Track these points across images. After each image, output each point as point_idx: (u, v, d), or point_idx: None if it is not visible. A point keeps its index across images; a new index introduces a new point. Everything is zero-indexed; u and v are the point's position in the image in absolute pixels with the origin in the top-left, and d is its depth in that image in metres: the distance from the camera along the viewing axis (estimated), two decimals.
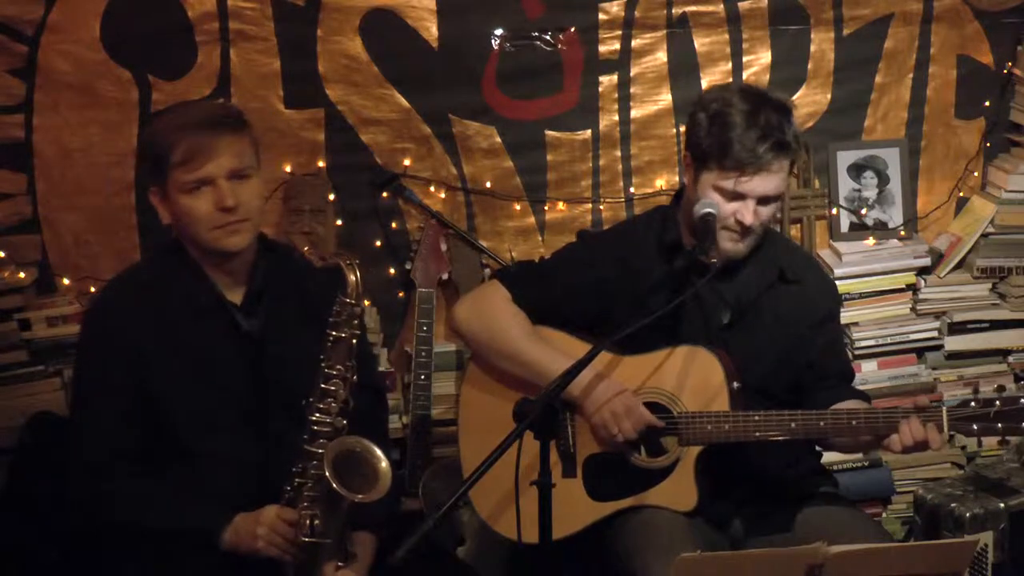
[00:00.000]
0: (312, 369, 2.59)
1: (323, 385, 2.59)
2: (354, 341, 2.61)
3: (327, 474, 2.50)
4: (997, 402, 2.64)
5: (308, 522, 2.53)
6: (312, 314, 2.66)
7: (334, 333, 2.60)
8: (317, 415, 2.58)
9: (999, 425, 2.64)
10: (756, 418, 2.72)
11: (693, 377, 2.79)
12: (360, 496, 2.52)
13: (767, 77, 3.86)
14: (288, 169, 3.73)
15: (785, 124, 2.74)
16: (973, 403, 2.65)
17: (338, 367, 2.59)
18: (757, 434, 2.72)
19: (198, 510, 2.59)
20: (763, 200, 2.75)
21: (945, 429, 2.65)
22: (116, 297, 2.71)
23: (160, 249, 2.77)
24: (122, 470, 2.60)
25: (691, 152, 2.80)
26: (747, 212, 2.74)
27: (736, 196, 2.74)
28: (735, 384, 2.78)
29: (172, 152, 2.56)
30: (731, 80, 3.82)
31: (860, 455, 3.79)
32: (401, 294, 3.82)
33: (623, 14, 3.78)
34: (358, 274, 2.62)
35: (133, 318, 2.63)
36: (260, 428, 2.66)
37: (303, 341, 2.64)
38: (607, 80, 3.82)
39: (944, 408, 2.66)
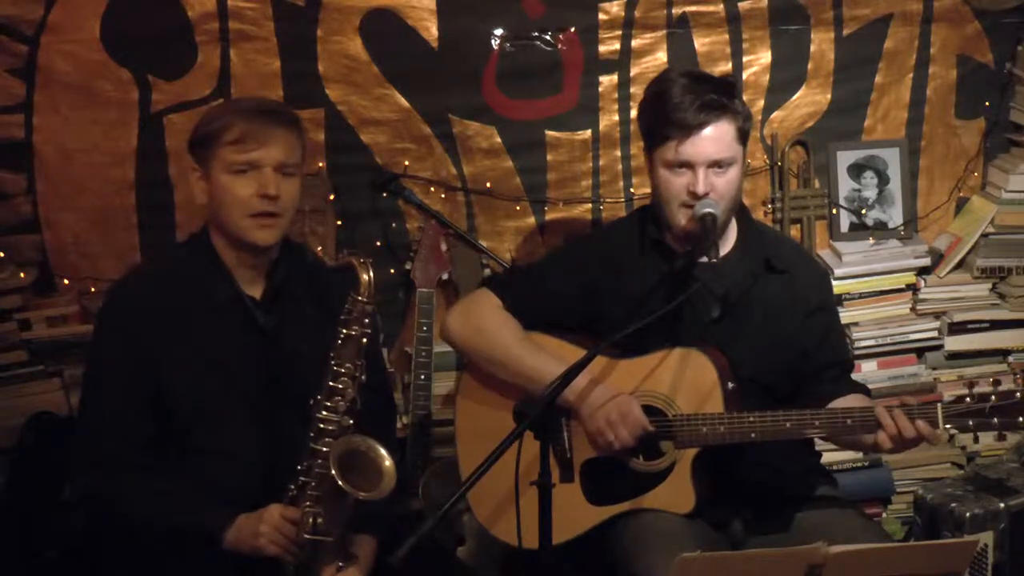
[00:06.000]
0: (324, 368, 2.60)
1: (331, 383, 2.59)
2: (364, 340, 2.62)
3: (332, 471, 2.50)
4: (992, 397, 2.64)
5: (311, 520, 2.54)
6: (326, 313, 2.66)
7: (345, 331, 2.61)
8: (324, 413, 2.58)
9: (995, 420, 2.64)
10: (751, 419, 2.72)
11: (687, 379, 2.79)
12: (364, 494, 2.52)
13: (767, 77, 3.86)
14: None
15: (723, 89, 2.78)
16: (968, 399, 2.65)
17: (347, 365, 2.60)
18: (752, 435, 2.72)
19: (201, 510, 2.59)
20: (713, 166, 2.75)
21: (940, 425, 2.64)
22: (132, 288, 2.71)
23: (182, 242, 2.77)
24: (128, 462, 2.60)
25: (643, 137, 2.86)
26: (698, 180, 2.75)
27: (683, 165, 2.76)
28: (729, 385, 2.77)
29: (226, 131, 2.60)
30: None
31: (860, 455, 3.80)
32: (401, 294, 3.82)
33: (623, 14, 3.77)
34: (371, 273, 2.63)
35: (148, 309, 2.63)
36: (268, 425, 2.66)
37: (317, 340, 2.64)
38: (607, 80, 3.81)
39: (939, 404, 2.65)
